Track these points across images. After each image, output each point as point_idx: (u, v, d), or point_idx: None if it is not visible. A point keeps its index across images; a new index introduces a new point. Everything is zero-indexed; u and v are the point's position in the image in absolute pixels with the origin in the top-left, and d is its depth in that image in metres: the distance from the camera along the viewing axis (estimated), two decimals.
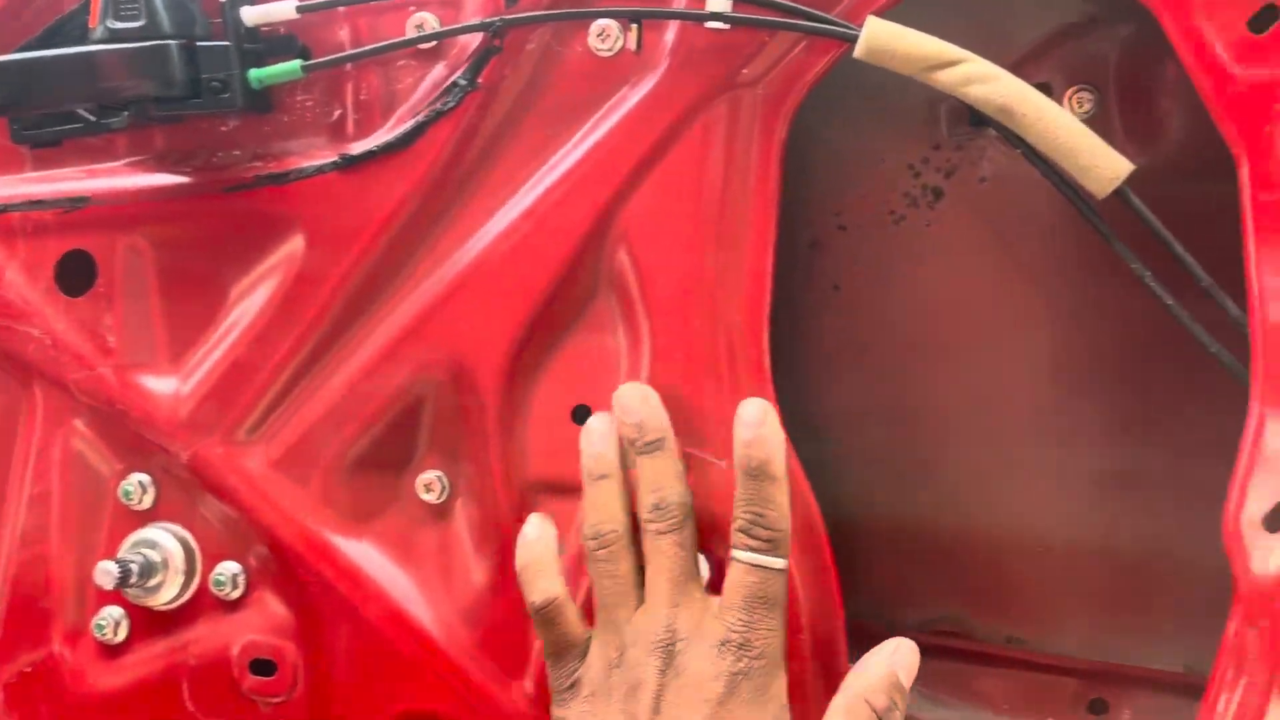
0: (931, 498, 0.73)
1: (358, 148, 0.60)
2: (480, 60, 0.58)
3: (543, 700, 0.60)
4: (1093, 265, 0.67)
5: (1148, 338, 0.66)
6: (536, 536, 0.57)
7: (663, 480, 0.53)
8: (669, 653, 0.51)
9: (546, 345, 0.60)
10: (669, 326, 0.58)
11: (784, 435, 0.54)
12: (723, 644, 0.50)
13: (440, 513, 0.63)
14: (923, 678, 0.70)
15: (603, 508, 0.54)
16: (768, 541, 0.51)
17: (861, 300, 0.72)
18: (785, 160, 0.59)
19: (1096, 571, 0.70)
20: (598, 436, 0.55)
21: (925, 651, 0.71)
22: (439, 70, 0.59)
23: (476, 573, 0.62)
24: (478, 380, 0.60)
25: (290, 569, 0.64)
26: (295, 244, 0.62)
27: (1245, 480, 0.50)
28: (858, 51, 0.52)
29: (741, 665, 0.50)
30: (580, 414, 0.60)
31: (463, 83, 0.58)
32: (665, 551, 0.52)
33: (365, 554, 0.64)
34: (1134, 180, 0.54)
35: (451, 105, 0.58)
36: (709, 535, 0.57)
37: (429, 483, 0.62)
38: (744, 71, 0.56)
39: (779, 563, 0.51)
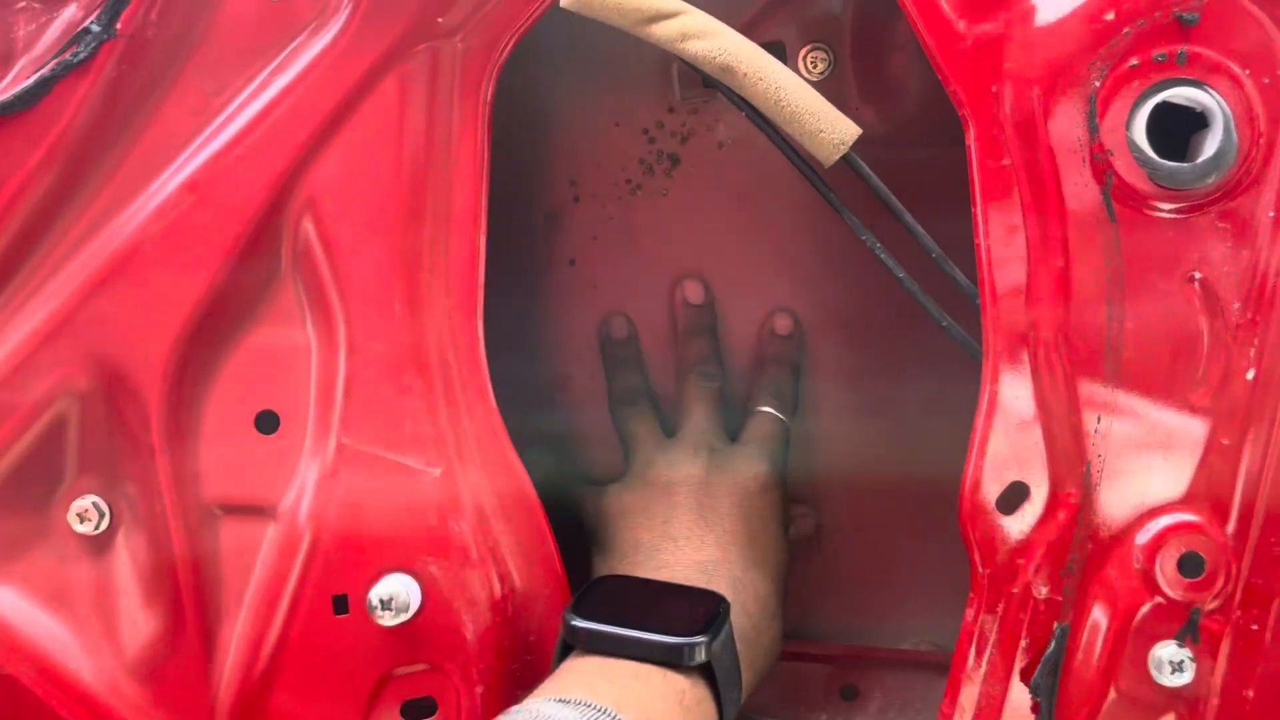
0: None
1: None
2: (118, 2, 0.53)
3: None
4: (837, 238, 0.67)
5: (892, 314, 0.66)
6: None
7: (711, 354, 0.68)
8: (713, 450, 0.64)
9: (221, 341, 0.56)
10: (366, 315, 0.55)
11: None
12: (759, 452, 0.64)
13: (99, 545, 0.57)
14: None
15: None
16: (786, 402, 0.66)
17: (598, 275, 0.71)
18: (515, 129, 0.58)
19: (841, 554, 0.72)
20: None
21: None
22: (69, 12, 0.54)
23: (147, 614, 0.56)
24: (137, 386, 0.55)
25: None
26: None
27: (979, 460, 0.51)
28: (565, 0, 0.50)
29: (771, 472, 0.63)
30: (265, 421, 0.55)
31: (96, 29, 0.53)
32: (708, 399, 0.66)
33: (6, 600, 0.56)
34: (868, 145, 0.54)
35: (84, 56, 0.53)
36: (414, 551, 0.55)
37: (83, 511, 0.56)
38: (440, 20, 0.54)
39: (789, 416, 0.66)
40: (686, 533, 0.60)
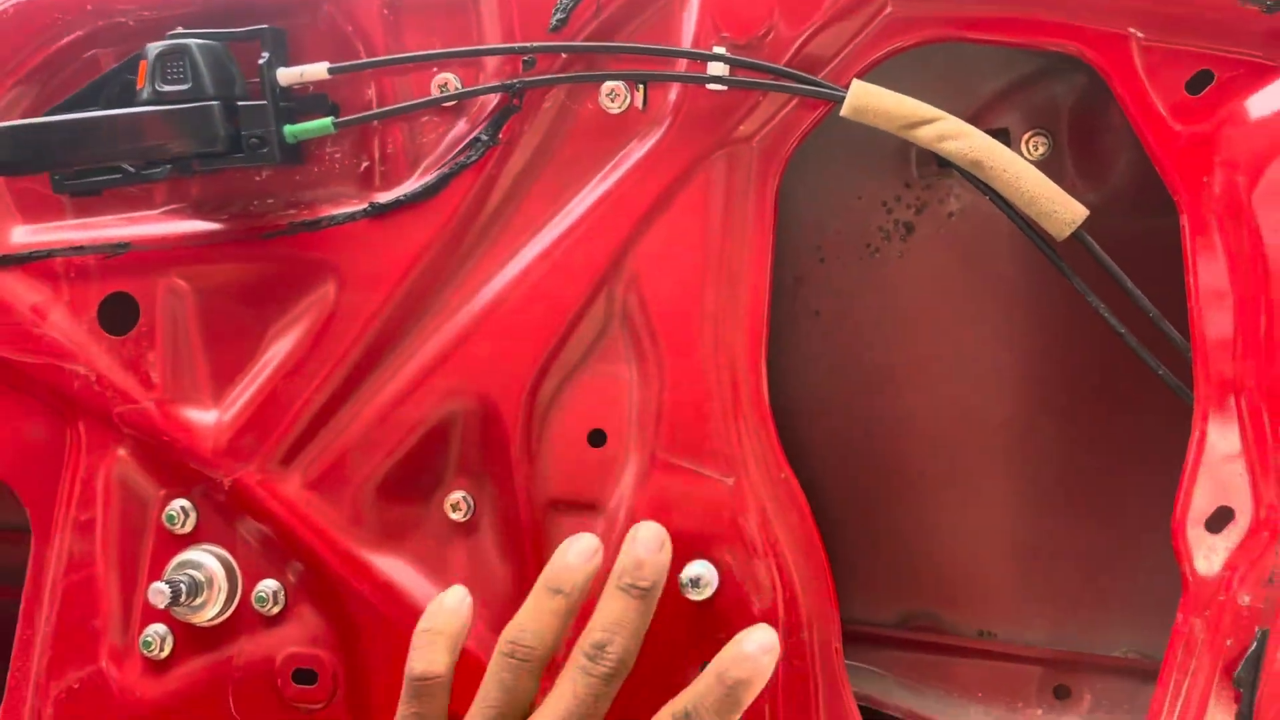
0: (908, 506, 0.74)
1: (386, 197, 0.62)
2: (500, 117, 0.60)
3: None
4: (1054, 295, 0.69)
5: (1107, 361, 0.68)
6: (452, 607, 0.54)
7: (624, 628, 0.50)
8: None
9: (563, 376, 0.62)
10: (676, 358, 0.60)
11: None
12: None
13: (467, 530, 0.64)
14: (902, 668, 0.74)
15: (541, 622, 0.51)
16: (611, 669, 0.50)
17: (840, 325, 0.74)
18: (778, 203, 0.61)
19: (1059, 569, 0.72)
20: (575, 553, 0.54)
21: (904, 645, 0.75)
22: (461, 126, 0.62)
23: (501, 585, 0.64)
24: (500, 410, 0.62)
25: (328, 585, 0.65)
26: (328, 286, 0.64)
27: (1190, 487, 0.53)
28: (844, 111, 0.55)
29: None
30: (595, 438, 0.62)
31: (484, 138, 0.61)
32: (579, 694, 0.49)
33: (398, 569, 0.65)
34: (1088, 220, 0.57)
35: (474, 158, 0.61)
36: (713, 543, 0.60)
37: (456, 503, 0.64)
38: (740, 128, 0.58)
39: (615, 684, 0.50)
40: None
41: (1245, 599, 0.53)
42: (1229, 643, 0.53)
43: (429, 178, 0.62)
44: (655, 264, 0.60)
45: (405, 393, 0.64)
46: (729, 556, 0.60)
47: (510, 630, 0.51)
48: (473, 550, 0.64)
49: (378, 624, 0.64)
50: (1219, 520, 0.54)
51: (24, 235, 0.68)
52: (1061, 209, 0.56)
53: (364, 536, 0.65)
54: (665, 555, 0.53)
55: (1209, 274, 0.54)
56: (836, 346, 0.74)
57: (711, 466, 0.60)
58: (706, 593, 0.59)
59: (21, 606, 0.70)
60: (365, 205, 0.63)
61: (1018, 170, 0.56)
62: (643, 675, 0.57)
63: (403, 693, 0.51)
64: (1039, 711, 0.71)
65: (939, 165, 0.69)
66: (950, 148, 0.56)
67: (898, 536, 0.75)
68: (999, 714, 0.71)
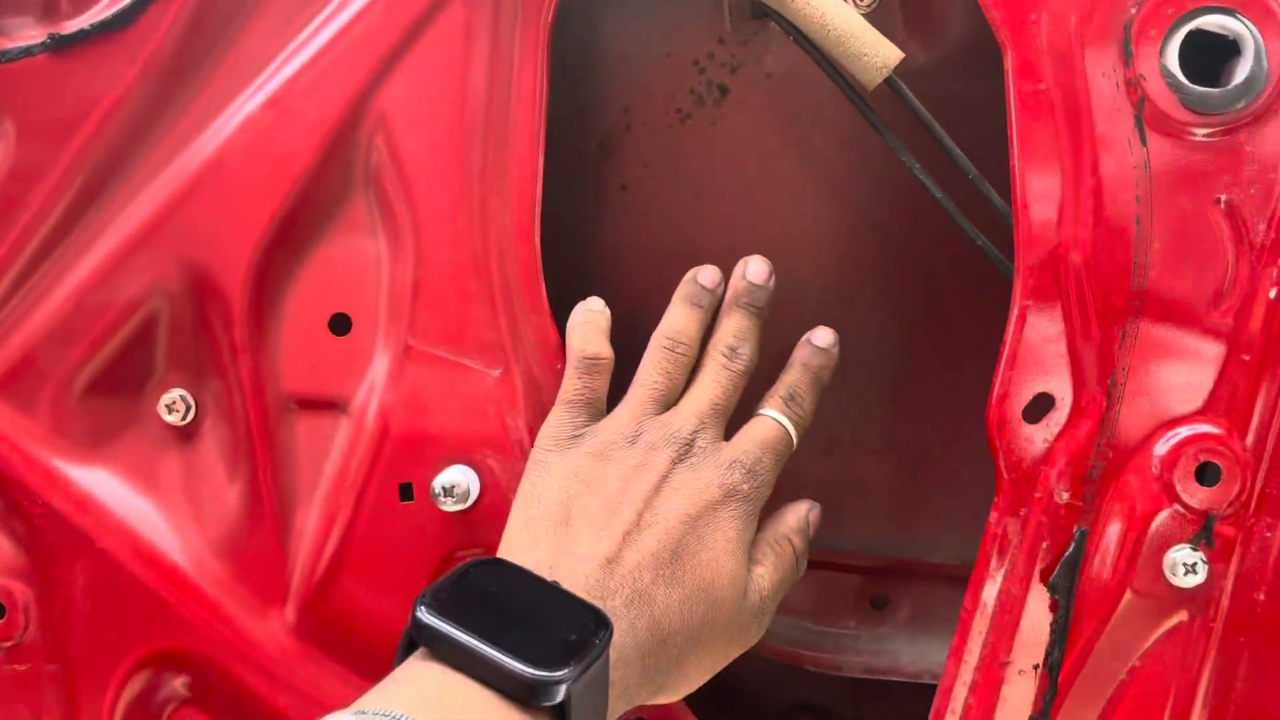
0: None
1: (71, 26, 0.57)
2: None
3: (305, 628, 0.59)
4: (876, 164, 0.67)
5: (930, 233, 0.66)
6: (599, 308, 0.59)
7: (749, 337, 0.58)
8: (687, 449, 0.54)
9: (298, 249, 0.58)
10: (433, 227, 0.57)
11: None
12: (733, 463, 0.53)
13: (185, 435, 0.60)
14: None
15: (689, 327, 0.58)
16: (798, 416, 0.57)
17: (649, 200, 0.71)
18: (571, 58, 0.58)
19: (877, 466, 0.72)
20: (705, 276, 0.60)
21: None
22: None
23: (229, 497, 0.60)
24: (221, 288, 0.58)
25: (16, 502, 0.60)
26: (3, 135, 0.58)
27: (1008, 373, 0.52)
28: None
29: (742, 486, 0.53)
30: (338, 323, 0.58)
31: None
32: (721, 381, 0.56)
33: (101, 482, 0.60)
34: (915, 76, 0.55)
35: None
36: (475, 445, 0.57)
37: (171, 403, 0.59)
38: None
39: (795, 432, 0.57)
40: (595, 523, 0.51)
41: (1063, 496, 0.53)
42: (1045, 545, 0.53)
43: (121, 3, 0.57)
44: (405, 112, 0.57)
45: (105, 271, 0.59)
46: (492, 462, 0.58)
47: (667, 329, 0.58)
48: (193, 458, 0.61)
49: (77, 547, 0.60)
50: (1038, 409, 0.53)
51: None
52: (873, 52, 0.54)
53: (59, 444, 0.61)
54: (772, 284, 0.60)
55: (1032, 127, 0.52)
56: (644, 223, 0.72)
57: (475, 357, 0.58)
58: (466, 503, 0.57)
59: None
60: (44, 38, 0.57)
61: (824, 5, 0.54)
62: (388, 590, 0.58)
63: (570, 369, 0.56)
64: (853, 623, 0.72)
65: (754, 17, 0.66)
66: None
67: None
68: (809, 625, 0.72)
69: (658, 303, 0.68)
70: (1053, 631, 0.53)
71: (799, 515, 0.58)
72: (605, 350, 0.57)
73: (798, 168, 0.70)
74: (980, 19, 0.52)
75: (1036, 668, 0.53)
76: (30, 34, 0.57)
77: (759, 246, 0.68)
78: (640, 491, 0.52)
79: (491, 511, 0.57)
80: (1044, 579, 0.53)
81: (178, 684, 0.62)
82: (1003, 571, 0.54)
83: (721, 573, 0.51)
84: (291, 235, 0.57)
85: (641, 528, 0.51)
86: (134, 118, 0.57)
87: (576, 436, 0.55)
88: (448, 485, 0.55)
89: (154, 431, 0.60)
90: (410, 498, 0.57)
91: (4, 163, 0.58)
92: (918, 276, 0.70)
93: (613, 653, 0.44)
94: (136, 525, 0.60)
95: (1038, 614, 0.53)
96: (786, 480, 0.67)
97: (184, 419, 0.59)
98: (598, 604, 0.46)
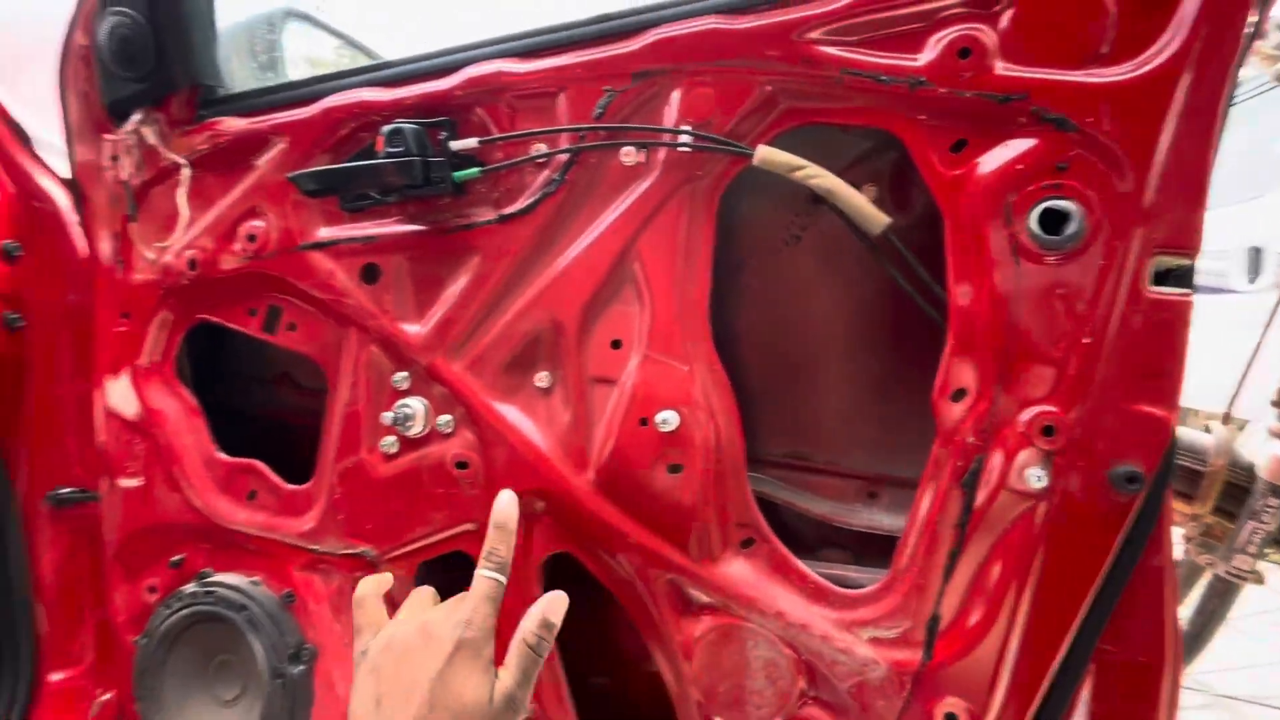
0: (790, 388, 0.77)
1: (507, 211, 0.67)
2: (567, 167, 0.65)
3: (598, 483, 0.65)
4: (877, 280, 0.71)
5: (899, 320, 0.70)
6: (374, 586, 0.53)
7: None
8: (426, 612, 0.49)
9: (599, 309, 0.66)
10: (658, 305, 0.64)
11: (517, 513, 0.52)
12: (457, 619, 0.48)
13: (547, 393, 0.68)
14: (783, 479, 0.76)
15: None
16: (498, 565, 0.50)
17: (759, 293, 0.76)
18: (719, 217, 0.63)
19: (875, 430, 0.75)
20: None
21: (783, 467, 0.76)
22: (545, 174, 0.66)
23: (563, 420, 0.67)
24: (565, 327, 0.66)
25: (475, 416, 0.69)
26: (476, 259, 0.68)
27: (943, 377, 0.57)
28: (755, 161, 0.59)
29: (467, 635, 0.47)
30: (615, 344, 0.65)
31: (557, 179, 0.65)
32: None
33: (509, 411, 0.68)
34: (897, 228, 0.59)
35: (552, 191, 0.65)
36: (676, 400, 0.62)
37: (541, 377, 0.68)
38: (698, 172, 0.62)
39: (501, 578, 0.50)
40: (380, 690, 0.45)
41: (970, 440, 0.56)
42: (960, 464, 0.56)
43: (529, 200, 0.66)
44: (650, 247, 0.64)
45: (516, 317, 0.68)
46: (684, 409, 0.63)
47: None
48: (549, 403, 0.68)
49: (498, 433, 0.68)
50: (958, 396, 0.57)
51: (326, 233, 0.74)
52: (875, 218, 0.60)
53: (493, 393, 0.69)
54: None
55: (959, 257, 0.56)
56: (756, 310, 0.76)
57: (676, 359, 0.64)
58: (669, 427, 0.63)
59: (323, 427, 0.76)
60: (496, 216, 0.67)
61: (850, 196, 0.59)
62: (620, 479, 0.60)
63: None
64: (858, 505, 0.74)
65: (814, 202, 0.71)
66: (814, 183, 0.60)
67: (784, 405, 0.77)
68: (834, 506, 0.74)
69: (757, 350, 0.72)
70: (962, 510, 0.56)
71: (532, 619, 0.49)
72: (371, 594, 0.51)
73: (836, 276, 0.73)
74: (929, 201, 0.56)
75: (955, 527, 0.56)
76: (487, 214, 0.67)
77: (810, 319, 0.73)
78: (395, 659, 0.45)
79: (682, 436, 0.62)
80: (956, 480, 0.56)
81: (539, 505, 0.68)
82: (936, 474, 0.57)
83: (465, 696, 0.44)
84: (595, 302, 0.65)
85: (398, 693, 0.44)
86: (530, 251, 0.66)
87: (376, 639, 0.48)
88: (664, 419, 0.63)
89: (532, 390, 0.68)
90: (645, 425, 0.63)
91: (476, 272, 0.67)
92: (897, 337, 0.72)
93: None
94: (526, 432, 0.67)
95: (955, 500, 0.57)
96: (825, 434, 0.72)
97: (547, 386, 0.67)
98: None
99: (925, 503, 0.58)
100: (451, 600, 0.50)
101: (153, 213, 0.80)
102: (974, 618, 0.57)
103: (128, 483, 0.83)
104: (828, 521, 0.73)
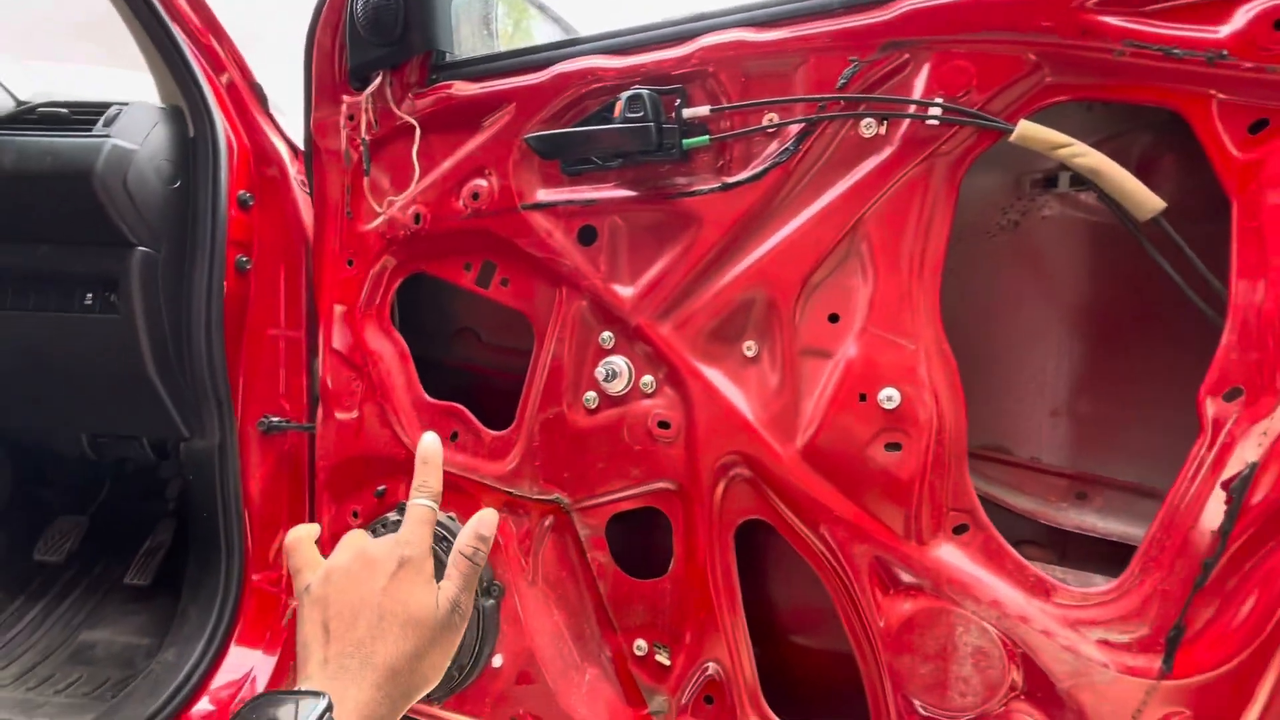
0: (996, 383, 0.74)
1: (731, 179, 0.67)
2: (801, 137, 0.65)
3: (805, 454, 0.65)
4: (1094, 270, 0.67)
5: (1125, 315, 0.66)
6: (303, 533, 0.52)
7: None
8: (363, 543, 0.50)
9: (819, 281, 0.65)
10: (886, 275, 0.63)
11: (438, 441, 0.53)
12: (396, 541, 0.49)
13: (753, 361, 0.69)
14: (990, 473, 0.73)
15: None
16: (430, 494, 0.51)
17: (966, 283, 0.73)
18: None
19: (1089, 429, 0.71)
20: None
21: (990, 461, 0.74)
22: (775, 144, 0.66)
23: (770, 387, 0.68)
24: (778, 300, 0.67)
25: (679, 378, 0.71)
26: (695, 226, 0.70)
27: (1221, 366, 0.53)
28: (1013, 137, 0.57)
29: (407, 553, 0.48)
30: (832, 318, 0.65)
31: (790, 148, 0.65)
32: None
33: (715, 375, 0.70)
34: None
35: (782, 160, 0.65)
36: (900, 378, 0.61)
37: (749, 345, 0.69)
38: (942, 148, 0.61)
39: (433, 504, 0.51)
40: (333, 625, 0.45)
41: (1241, 441, 0.52)
42: (1225, 466, 0.53)
43: (756, 169, 0.67)
44: (882, 222, 0.63)
45: (730, 285, 0.69)
46: (908, 387, 0.63)
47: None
48: (757, 372, 0.69)
49: (703, 396, 0.70)
50: (1232, 395, 0.53)
51: (544, 194, 0.78)
52: (1148, 201, 0.57)
53: (698, 357, 0.71)
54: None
55: (1247, 248, 0.52)
56: (963, 287, 0.73)
57: (902, 337, 0.63)
58: (892, 405, 0.63)
59: (526, 380, 0.80)
60: (719, 184, 0.68)
61: (1121, 177, 0.57)
62: (830, 452, 0.60)
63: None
64: (1065, 504, 0.71)
65: (1045, 186, 0.68)
66: (1079, 161, 0.57)
67: (994, 396, 0.75)
68: (1038, 503, 0.71)
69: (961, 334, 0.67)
70: (1225, 516, 0.53)
71: (467, 533, 0.51)
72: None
73: (1046, 268, 0.70)
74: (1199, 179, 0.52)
75: (1215, 533, 0.53)
76: (711, 182, 0.68)
77: (1029, 301, 0.70)
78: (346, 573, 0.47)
79: (904, 414, 0.61)
80: (1224, 485, 0.53)
81: (743, 469, 0.68)
82: (1198, 476, 0.54)
83: (410, 605, 0.45)
84: (816, 276, 0.65)
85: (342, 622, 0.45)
86: (752, 221, 0.67)
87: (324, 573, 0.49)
88: (888, 395, 0.62)
89: (739, 358, 0.69)
90: (864, 400, 0.63)
91: (694, 239, 0.68)
92: (1118, 334, 0.68)
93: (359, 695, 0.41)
94: (731, 397, 0.69)
95: (1216, 505, 0.53)
96: (1031, 429, 0.69)
97: (754, 354, 0.68)
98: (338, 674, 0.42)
99: (1179, 504, 0.55)
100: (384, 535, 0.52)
101: (383, 169, 0.86)
102: (1227, 632, 0.53)
103: (344, 415, 0.90)
104: (1032, 518, 0.71)
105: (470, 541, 0.51)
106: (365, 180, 0.87)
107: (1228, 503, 0.53)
